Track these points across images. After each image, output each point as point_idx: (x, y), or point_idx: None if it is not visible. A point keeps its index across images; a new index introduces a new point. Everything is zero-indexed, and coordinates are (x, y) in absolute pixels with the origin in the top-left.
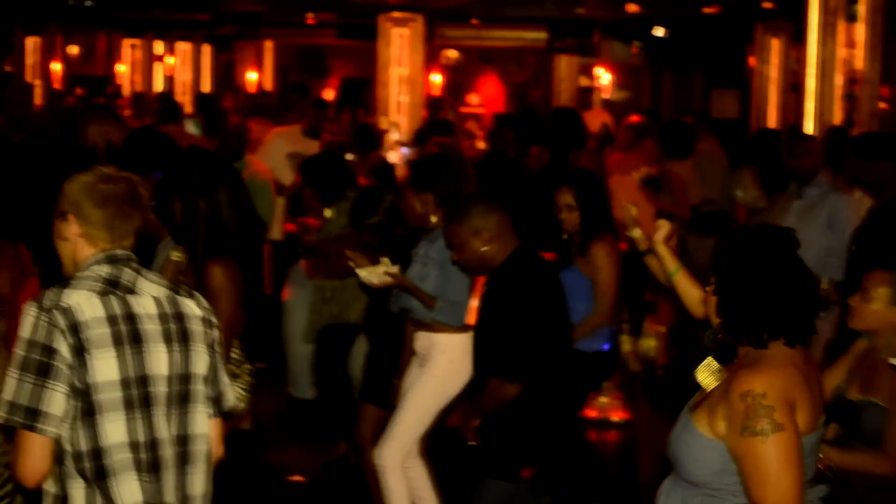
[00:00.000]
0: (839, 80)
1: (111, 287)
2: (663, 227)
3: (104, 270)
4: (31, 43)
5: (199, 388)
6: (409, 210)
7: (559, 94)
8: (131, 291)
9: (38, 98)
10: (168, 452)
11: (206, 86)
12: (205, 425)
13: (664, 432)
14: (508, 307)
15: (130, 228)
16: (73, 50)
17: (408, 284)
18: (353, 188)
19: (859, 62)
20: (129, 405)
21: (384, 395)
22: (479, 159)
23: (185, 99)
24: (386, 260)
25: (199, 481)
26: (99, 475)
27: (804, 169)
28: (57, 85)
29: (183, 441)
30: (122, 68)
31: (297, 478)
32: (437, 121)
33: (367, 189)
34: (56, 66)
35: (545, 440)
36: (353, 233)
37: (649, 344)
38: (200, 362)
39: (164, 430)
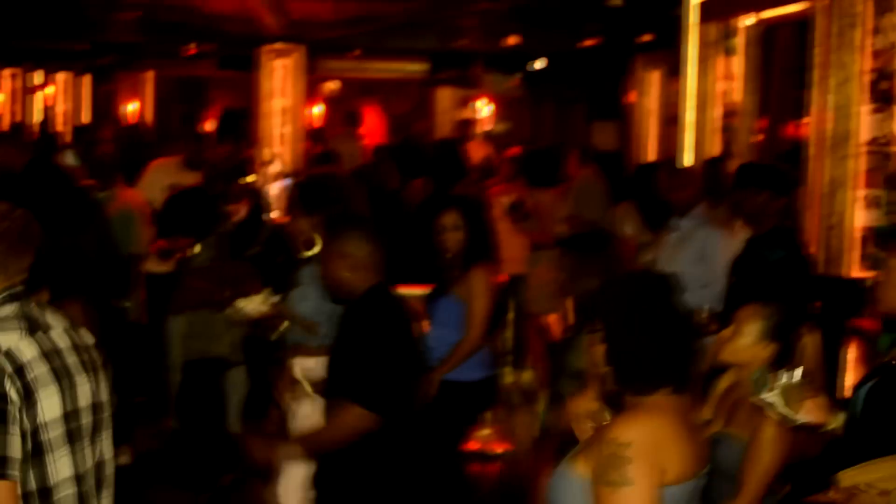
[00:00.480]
0: (716, 112)
1: (32, 324)
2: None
3: (14, 309)
4: None
5: (107, 415)
6: (295, 234)
7: (440, 126)
8: (47, 326)
9: None
10: (91, 482)
11: (86, 116)
12: (111, 449)
13: (546, 464)
14: (371, 339)
15: (25, 265)
16: None
17: (287, 314)
18: (223, 221)
19: (736, 94)
20: (70, 439)
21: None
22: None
23: (64, 129)
24: (268, 290)
25: None
26: None
27: (681, 202)
28: None
29: (99, 468)
30: None
31: None
32: (322, 152)
33: (245, 221)
34: None
35: (402, 480)
36: (220, 264)
37: (530, 375)
38: (105, 389)
39: (91, 460)
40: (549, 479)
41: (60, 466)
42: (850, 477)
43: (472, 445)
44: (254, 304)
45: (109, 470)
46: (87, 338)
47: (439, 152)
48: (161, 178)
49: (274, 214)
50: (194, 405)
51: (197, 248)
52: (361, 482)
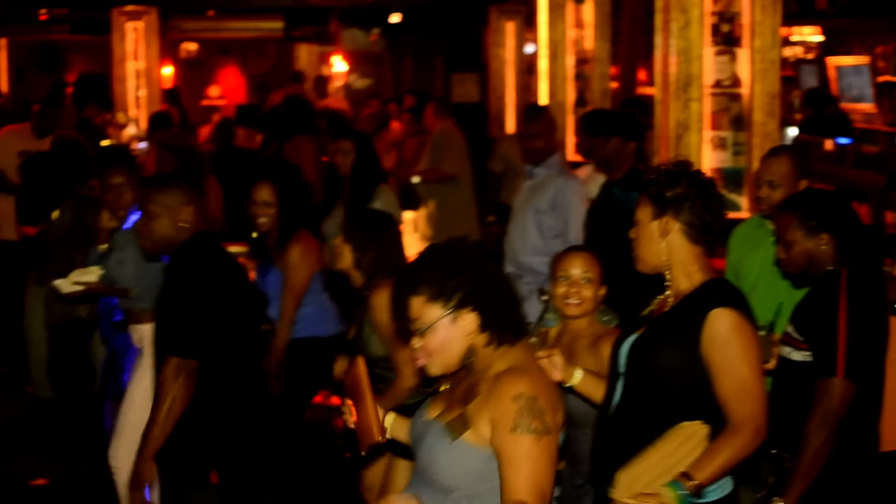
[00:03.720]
0: (570, 60)
1: None
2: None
3: None
4: None
5: None
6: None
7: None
8: None
9: None
10: None
11: None
12: None
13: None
14: (187, 287)
15: None
16: None
17: (98, 289)
18: (83, 185)
19: (588, 42)
20: None
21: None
22: (214, 152)
23: None
24: (81, 270)
25: None
26: None
27: (535, 150)
28: None
29: None
30: None
31: (41, 481)
32: (159, 113)
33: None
34: None
35: (231, 436)
36: (81, 227)
37: None
38: None
39: None
40: (418, 442)
41: None
42: (625, 484)
43: (335, 400)
44: (67, 283)
45: None
46: None
47: (287, 109)
48: (13, 146)
49: None
50: (65, 371)
51: (55, 214)
52: (193, 432)
